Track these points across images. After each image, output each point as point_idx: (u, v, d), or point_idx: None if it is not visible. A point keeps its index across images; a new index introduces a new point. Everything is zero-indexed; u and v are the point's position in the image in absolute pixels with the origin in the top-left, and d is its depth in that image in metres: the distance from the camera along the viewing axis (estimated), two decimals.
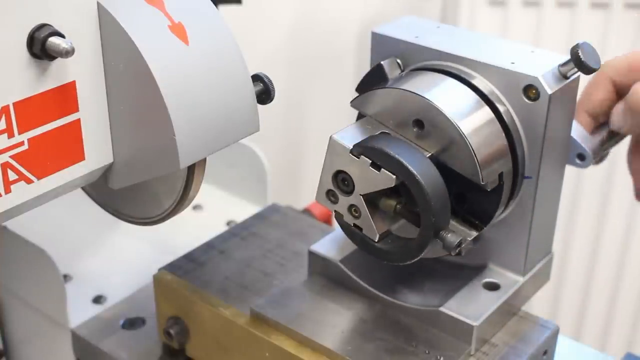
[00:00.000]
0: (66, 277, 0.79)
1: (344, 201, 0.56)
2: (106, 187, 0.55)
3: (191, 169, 0.55)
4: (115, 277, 0.79)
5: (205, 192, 0.97)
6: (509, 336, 0.61)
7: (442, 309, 0.59)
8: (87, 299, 0.77)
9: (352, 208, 0.56)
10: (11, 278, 0.78)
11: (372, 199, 0.55)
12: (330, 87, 1.36)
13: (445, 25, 0.65)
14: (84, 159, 0.52)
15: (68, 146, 0.50)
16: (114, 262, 0.82)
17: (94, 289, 0.78)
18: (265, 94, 0.55)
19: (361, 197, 0.55)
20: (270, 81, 0.56)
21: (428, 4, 1.40)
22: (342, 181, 0.56)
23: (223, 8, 0.92)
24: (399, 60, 0.62)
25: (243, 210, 0.89)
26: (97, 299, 0.77)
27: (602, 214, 1.51)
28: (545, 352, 0.62)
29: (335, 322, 0.61)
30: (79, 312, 0.73)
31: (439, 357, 0.58)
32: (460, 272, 0.63)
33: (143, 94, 0.50)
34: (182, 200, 0.56)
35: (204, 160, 0.55)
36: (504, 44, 0.61)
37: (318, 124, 1.32)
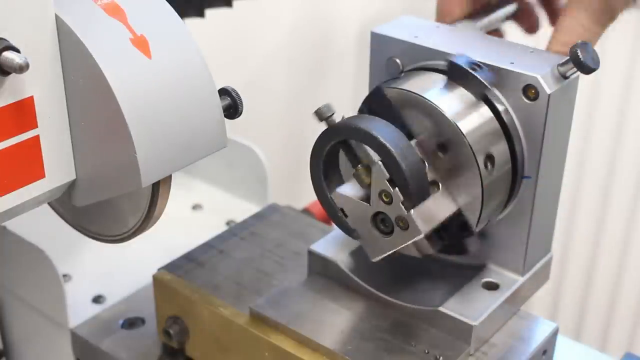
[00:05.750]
0: (66, 277, 0.79)
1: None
2: (72, 203, 0.54)
3: (156, 187, 0.53)
4: (115, 277, 0.79)
5: (205, 192, 0.97)
6: (508, 336, 0.61)
7: (441, 308, 0.59)
8: (86, 298, 0.77)
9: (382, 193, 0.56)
10: (11, 278, 0.78)
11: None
12: (330, 87, 1.36)
13: (445, 25, 0.65)
14: (44, 176, 0.50)
15: (27, 163, 0.48)
16: (113, 262, 0.82)
17: (93, 288, 0.78)
18: (233, 109, 0.54)
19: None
20: (238, 95, 0.54)
21: (428, 4, 1.40)
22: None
23: (223, 8, 0.92)
24: (398, 60, 0.62)
25: (243, 210, 0.89)
26: (97, 299, 0.77)
27: (602, 214, 1.51)
28: (544, 352, 0.62)
29: (334, 321, 0.61)
30: (79, 312, 0.73)
31: (438, 356, 0.58)
32: (459, 272, 0.63)
33: (103, 110, 0.48)
34: (148, 218, 0.55)
35: (170, 177, 0.53)
36: (504, 44, 0.61)
37: (318, 124, 1.32)
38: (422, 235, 0.54)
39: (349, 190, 0.57)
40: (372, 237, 0.57)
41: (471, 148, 0.55)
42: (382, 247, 0.57)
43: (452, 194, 0.57)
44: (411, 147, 0.54)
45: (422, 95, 0.56)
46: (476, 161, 0.56)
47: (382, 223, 0.56)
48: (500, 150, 0.57)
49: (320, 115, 0.56)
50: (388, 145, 0.53)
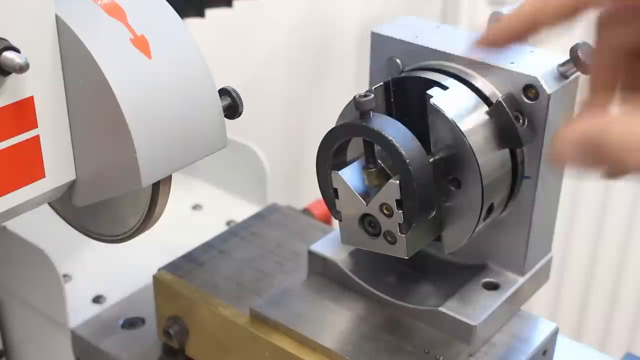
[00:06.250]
0: (66, 277, 0.79)
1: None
2: (72, 203, 0.54)
3: (156, 187, 0.53)
4: (115, 277, 0.79)
5: (205, 192, 0.97)
6: (508, 336, 0.61)
7: (441, 308, 0.59)
8: (86, 298, 0.77)
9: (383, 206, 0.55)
10: (11, 278, 0.78)
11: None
12: (330, 87, 1.36)
13: (445, 25, 0.64)
14: (45, 176, 0.50)
15: (27, 163, 0.48)
16: (113, 262, 0.82)
17: (93, 289, 0.78)
18: (233, 109, 0.54)
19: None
20: (238, 95, 0.54)
21: (428, 3, 1.40)
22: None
23: (223, 8, 0.92)
24: (398, 60, 0.61)
25: (243, 210, 0.89)
26: (97, 299, 0.77)
27: (602, 214, 1.51)
28: (544, 352, 0.62)
29: (335, 322, 0.61)
30: (79, 312, 0.73)
31: (438, 357, 0.58)
32: (459, 272, 0.63)
33: (103, 110, 0.48)
34: (148, 218, 0.55)
35: (170, 177, 0.53)
36: None
37: (318, 124, 1.32)
38: (404, 257, 0.55)
39: (351, 178, 0.56)
40: (353, 227, 0.57)
41: (482, 200, 0.55)
42: (359, 242, 0.57)
43: (443, 220, 0.58)
44: (432, 185, 0.54)
45: (462, 130, 0.55)
46: (480, 210, 0.56)
47: (369, 225, 0.56)
48: (499, 199, 0.58)
49: (360, 106, 0.53)
50: (414, 181, 0.52)
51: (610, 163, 0.45)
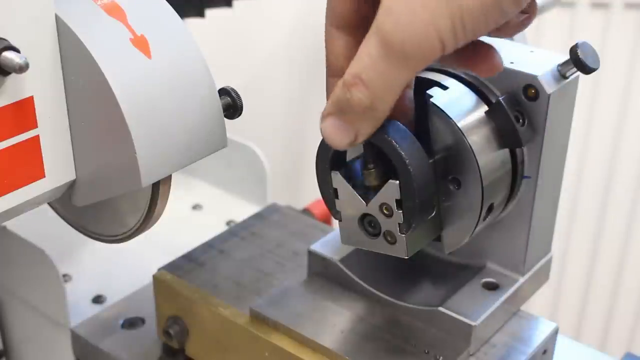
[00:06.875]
0: (66, 277, 0.79)
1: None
2: (72, 203, 0.54)
3: (156, 187, 0.53)
4: (115, 277, 0.79)
5: (205, 192, 0.97)
6: (508, 336, 0.61)
7: (441, 308, 0.59)
8: (86, 298, 0.77)
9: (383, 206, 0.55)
10: (11, 278, 0.78)
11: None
12: None
13: None
14: (44, 176, 0.50)
15: (27, 163, 0.48)
16: (113, 262, 0.82)
17: (93, 288, 0.78)
18: (233, 108, 0.54)
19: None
20: (238, 95, 0.54)
21: None
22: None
23: (223, 8, 0.92)
24: None
25: (243, 210, 0.89)
26: (97, 299, 0.77)
27: (602, 214, 1.51)
28: (544, 352, 0.62)
29: (334, 322, 0.61)
30: (79, 312, 0.73)
31: (438, 356, 0.58)
32: (459, 272, 0.63)
33: (103, 110, 0.48)
34: (148, 218, 0.55)
35: (170, 177, 0.53)
36: (504, 44, 0.61)
37: (318, 124, 1.32)
38: (404, 257, 0.55)
39: (351, 178, 0.56)
40: (353, 227, 0.57)
41: (482, 200, 0.55)
42: (359, 242, 0.57)
43: (443, 220, 0.58)
44: (432, 185, 0.54)
45: (462, 130, 0.55)
46: (480, 210, 0.56)
47: (369, 225, 0.56)
48: (499, 199, 0.58)
49: None
50: (414, 181, 0.52)
51: (351, 111, 0.50)
